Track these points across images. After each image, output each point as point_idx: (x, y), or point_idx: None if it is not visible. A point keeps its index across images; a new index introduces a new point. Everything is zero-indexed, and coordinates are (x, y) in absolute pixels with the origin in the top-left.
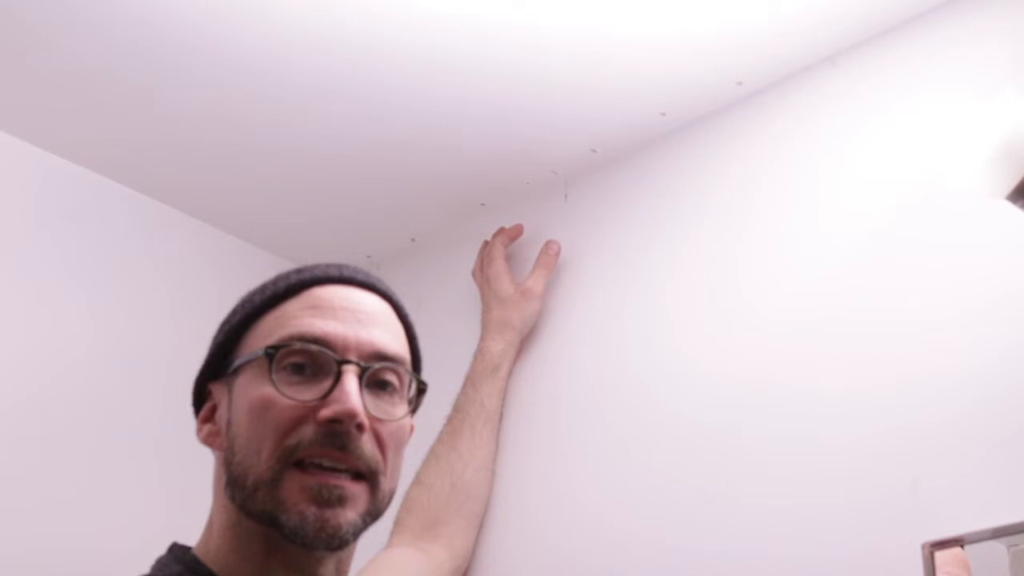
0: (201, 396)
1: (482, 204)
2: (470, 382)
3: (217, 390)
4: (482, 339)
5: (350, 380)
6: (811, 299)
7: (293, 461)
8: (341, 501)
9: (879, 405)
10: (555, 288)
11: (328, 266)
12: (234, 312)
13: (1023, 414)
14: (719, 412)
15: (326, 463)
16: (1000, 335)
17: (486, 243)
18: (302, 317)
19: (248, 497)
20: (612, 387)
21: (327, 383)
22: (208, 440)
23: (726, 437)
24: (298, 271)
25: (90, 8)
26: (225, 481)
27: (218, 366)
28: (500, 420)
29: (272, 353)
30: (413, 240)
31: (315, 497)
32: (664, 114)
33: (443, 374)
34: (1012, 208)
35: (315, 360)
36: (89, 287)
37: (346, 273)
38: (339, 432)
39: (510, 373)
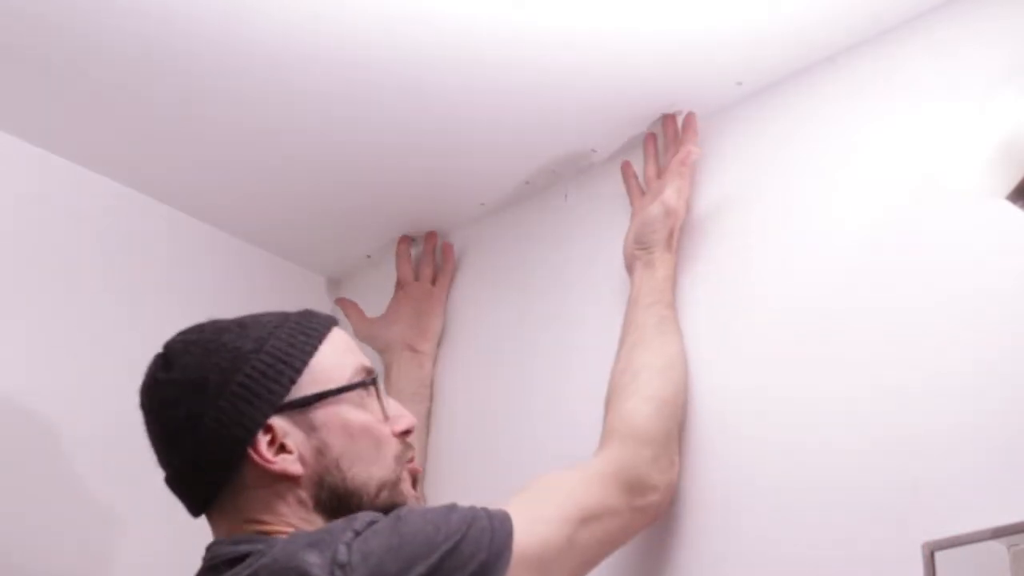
0: (240, 434)
1: (482, 204)
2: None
3: (284, 424)
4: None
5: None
6: (811, 300)
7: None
8: None
9: (879, 405)
10: (555, 289)
11: (323, 314)
12: (277, 357)
13: (1023, 414)
14: (718, 413)
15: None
16: (1000, 335)
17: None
18: (350, 354)
19: (370, 500)
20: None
21: (378, 403)
22: (290, 467)
23: (725, 438)
24: (307, 315)
25: (91, 8)
26: (322, 497)
27: (270, 404)
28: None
29: (369, 383)
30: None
31: (415, 484)
32: (664, 114)
33: (448, 372)
34: (1012, 208)
35: (373, 387)
36: (88, 286)
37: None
38: (408, 439)
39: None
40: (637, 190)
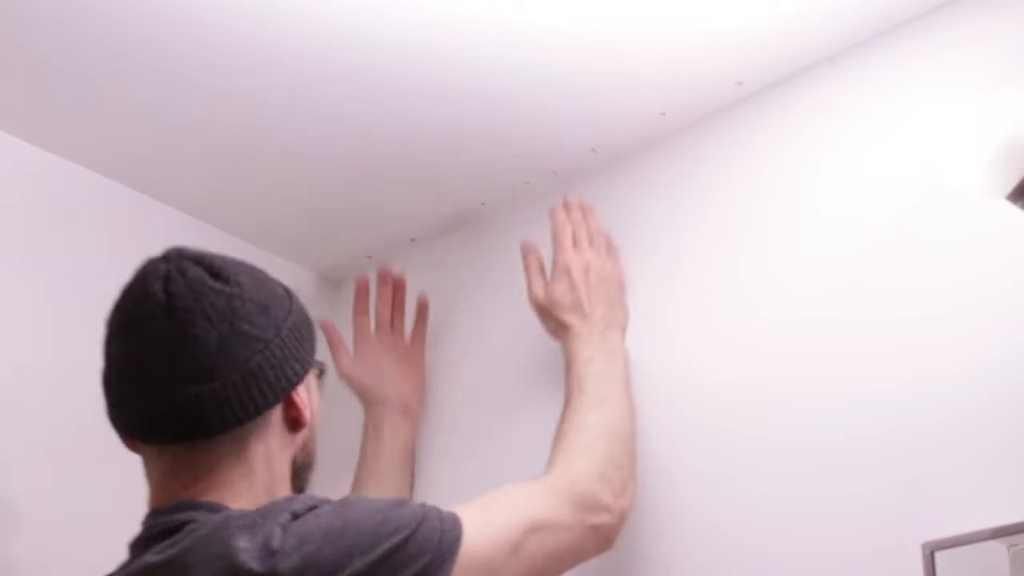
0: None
1: (482, 204)
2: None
3: (307, 381)
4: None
5: None
6: (811, 299)
7: None
8: None
9: (879, 404)
10: None
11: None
12: (306, 312)
13: (1023, 414)
14: (718, 413)
15: None
16: (1000, 335)
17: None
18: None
19: (309, 477)
20: None
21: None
22: (308, 420)
23: (725, 438)
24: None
25: (92, 9)
26: (299, 463)
27: (311, 354)
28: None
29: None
30: (413, 240)
31: None
32: (664, 114)
33: (445, 372)
34: (1012, 208)
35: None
36: (88, 286)
37: None
38: None
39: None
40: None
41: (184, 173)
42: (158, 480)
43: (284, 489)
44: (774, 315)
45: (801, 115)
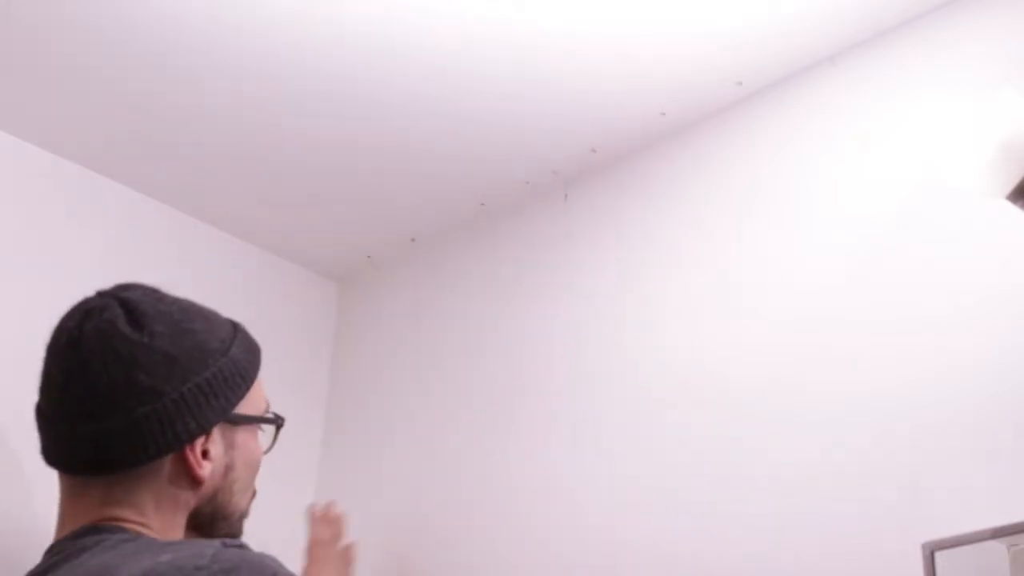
0: (184, 428)
1: (482, 204)
2: None
3: (219, 434)
4: None
5: None
6: (811, 299)
7: None
8: None
9: (879, 405)
10: (555, 289)
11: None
12: (237, 368)
13: (1023, 414)
14: (719, 413)
15: None
16: (1000, 335)
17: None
18: (263, 387)
19: (231, 525)
20: (610, 388)
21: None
22: (206, 475)
23: (726, 438)
24: (247, 333)
25: (92, 10)
26: (205, 515)
27: (223, 411)
28: None
29: (280, 425)
30: (413, 240)
31: None
32: (664, 114)
33: (441, 373)
34: (1012, 208)
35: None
36: (87, 285)
37: None
38: None
39: None
40: None
41: (185, 175)
42: (64, 504)
43: (176, 531)
44: (772, 315)
45: (801, 115)
